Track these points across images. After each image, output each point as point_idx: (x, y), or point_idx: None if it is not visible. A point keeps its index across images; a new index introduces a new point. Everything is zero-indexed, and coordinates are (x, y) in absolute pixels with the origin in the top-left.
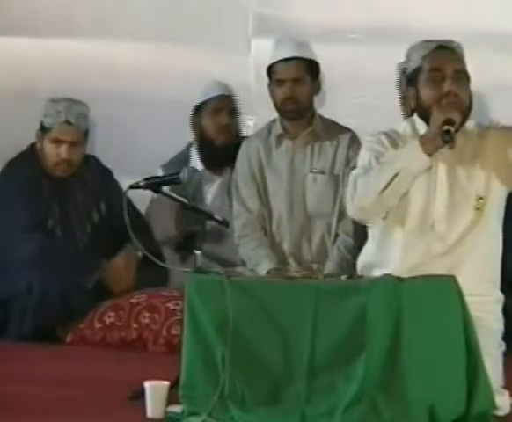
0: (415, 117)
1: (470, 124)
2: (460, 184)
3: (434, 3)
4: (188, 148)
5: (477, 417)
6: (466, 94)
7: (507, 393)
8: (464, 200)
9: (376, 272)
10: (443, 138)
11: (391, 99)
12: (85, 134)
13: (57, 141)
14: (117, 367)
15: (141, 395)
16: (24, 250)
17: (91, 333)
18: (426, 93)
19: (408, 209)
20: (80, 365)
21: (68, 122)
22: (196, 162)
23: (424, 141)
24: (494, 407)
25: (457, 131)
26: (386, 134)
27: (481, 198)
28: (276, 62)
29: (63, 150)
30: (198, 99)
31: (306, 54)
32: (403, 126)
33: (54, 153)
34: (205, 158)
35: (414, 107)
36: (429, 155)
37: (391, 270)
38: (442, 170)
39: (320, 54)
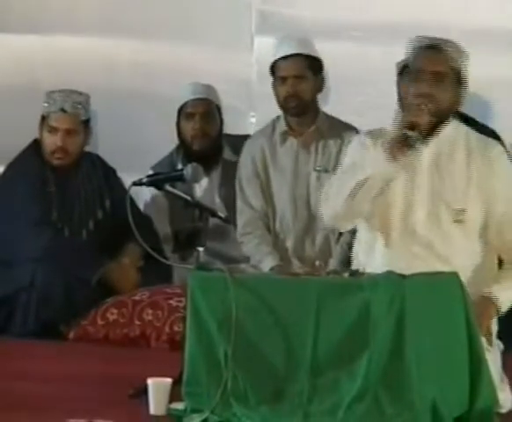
0: None
1: (462, 130)
2: (439, 192)
3: (437, 2)
4: (177, 149)
5: (480, 413)
6: (445, 96)
7: (508, 389)
8: (444, 208)
9: None
10: (406, 142)
11: (395, 97)
12: (85, 123)
13: (53, 129)
14: (120, 363)
15: (143, 392)
16: (28, 244)
17: (93, 330)
18: (405, 91)
19: (389, 213)
20: (83, 361)
21: (63, 110)
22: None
23: (387, 146)
24: (497, 404)
25: (434, 131)
26: (371, 133)
27: (462, 210)
28: (278, 60)
29: (58, 138)
30: (178, 102)
31: (306, 51)
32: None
33: (50, 141)
34: (185, 161)
35: (399, 105)
36: (394, 159)
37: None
38: (421, 175)
39: (323, 51)
